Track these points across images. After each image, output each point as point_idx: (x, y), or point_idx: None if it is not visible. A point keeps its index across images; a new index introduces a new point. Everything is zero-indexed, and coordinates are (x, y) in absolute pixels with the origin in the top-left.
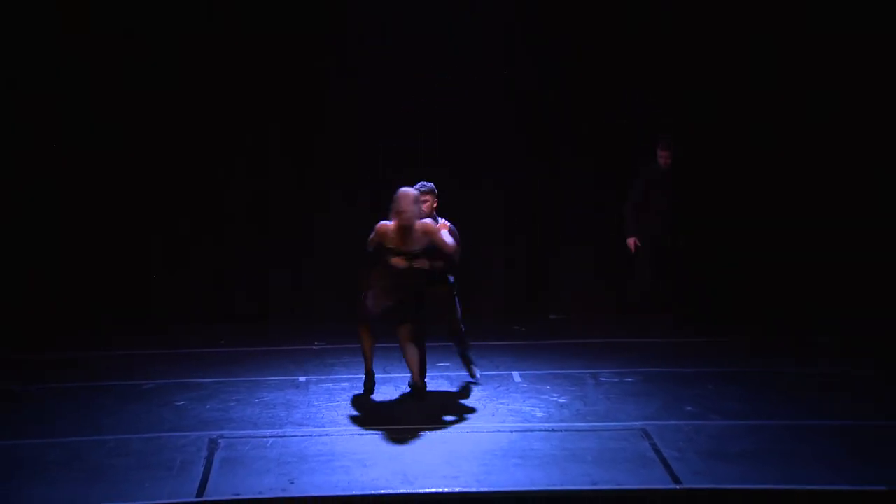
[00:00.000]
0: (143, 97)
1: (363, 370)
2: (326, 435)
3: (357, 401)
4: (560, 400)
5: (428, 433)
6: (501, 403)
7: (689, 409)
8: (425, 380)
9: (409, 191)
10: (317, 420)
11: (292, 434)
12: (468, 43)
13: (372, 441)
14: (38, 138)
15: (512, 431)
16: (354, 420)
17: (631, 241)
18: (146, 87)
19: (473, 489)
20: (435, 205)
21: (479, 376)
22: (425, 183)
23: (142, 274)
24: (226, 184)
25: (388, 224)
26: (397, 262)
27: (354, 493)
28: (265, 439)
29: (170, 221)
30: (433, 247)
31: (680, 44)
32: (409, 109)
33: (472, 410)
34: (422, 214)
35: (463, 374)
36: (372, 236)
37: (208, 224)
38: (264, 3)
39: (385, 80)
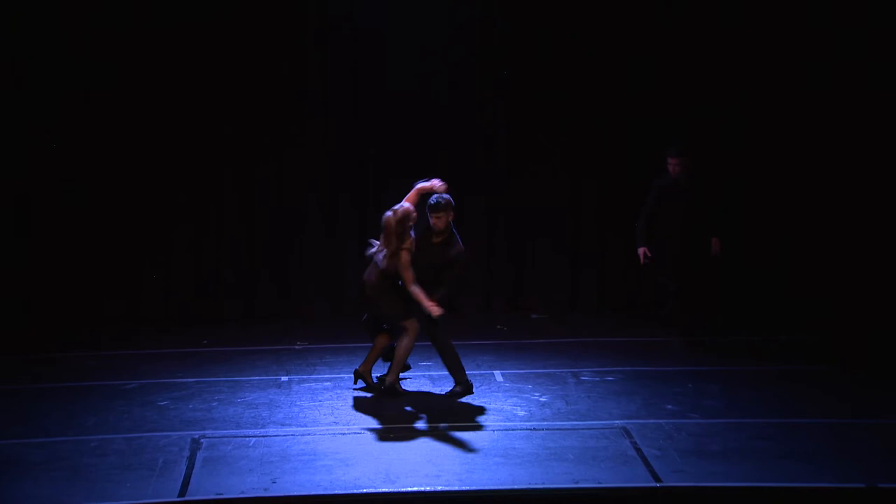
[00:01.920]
0: (143, 98)
1: (345, 370)
2: (309, 434)
3: (339, 400)
4: (542, 399)
5: (410, 432)
6: (483, 402)
7: (669, 407)
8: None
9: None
10: (299, 420)
11: (275, 434)
12: (468, 42)
13: (354, 440)
14: (37, 138)
15: (494, 430)
16: (337, 419)
17: (641, 252)
18: (146, 87)
19: (455, 488)
20: (451, 218)
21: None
22: (441, 197)
23: (141, 274)
24: (222, 186)
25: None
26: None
27: (337, 492)
28: (248, 439)
29: (170, 221)
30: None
31: (680, 44)
32: (408, 109)
33: (454, 409)
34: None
35: (444, 374)
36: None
37: (208, 224)
38: (264, 5)
39: (384, 80)
